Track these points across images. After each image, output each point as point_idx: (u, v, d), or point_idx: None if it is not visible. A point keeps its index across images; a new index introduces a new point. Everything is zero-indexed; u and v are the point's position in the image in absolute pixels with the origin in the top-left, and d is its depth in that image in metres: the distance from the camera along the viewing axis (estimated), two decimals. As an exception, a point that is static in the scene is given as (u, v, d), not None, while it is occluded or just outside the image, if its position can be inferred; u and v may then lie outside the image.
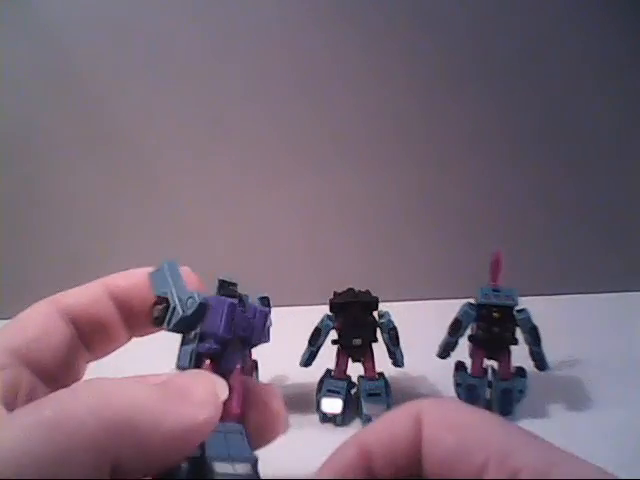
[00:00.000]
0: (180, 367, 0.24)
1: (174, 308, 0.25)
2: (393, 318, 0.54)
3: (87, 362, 0.25)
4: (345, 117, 0.76)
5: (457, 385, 0.54)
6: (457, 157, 0.77)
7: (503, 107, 0.76)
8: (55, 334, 0.23)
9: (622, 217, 0.79)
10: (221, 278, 0.26)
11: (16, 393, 0.21)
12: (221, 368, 0.24)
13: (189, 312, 0.24)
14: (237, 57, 0.74)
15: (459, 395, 0.54)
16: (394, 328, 0.54)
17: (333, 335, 0.54)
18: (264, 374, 0.57)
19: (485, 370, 0.54)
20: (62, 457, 0.17)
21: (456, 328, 0.54)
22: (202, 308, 0.24)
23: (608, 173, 0.78)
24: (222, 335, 0.24)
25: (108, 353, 0.26)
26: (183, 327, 0.25)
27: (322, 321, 0.54)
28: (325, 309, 0.54)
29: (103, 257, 0.73)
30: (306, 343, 0.55)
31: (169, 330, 0.25)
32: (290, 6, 0.73)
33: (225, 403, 0.23)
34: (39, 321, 0.23)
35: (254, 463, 0.23)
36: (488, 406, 0.53)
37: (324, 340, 0.54)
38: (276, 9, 0.73)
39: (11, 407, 0.20)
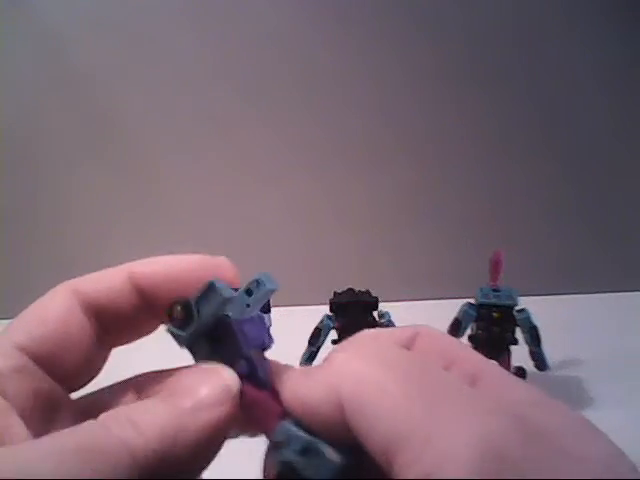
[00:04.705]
0: None
1: (197, 311, 0.22)
2: (393, 318, 0.54)
3: (108, 351, 0.24)
4: (345, 118, 0.76)
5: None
6: (457, 157, 0.77)
7: (503, 108, 0.76)
8: (77, 331, 0.22)
9: (621, 218, 0.79)
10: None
11: (33, 402, 0.20)
12: (259, 382, 0.22)
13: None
14: (236, 58, 0.74)
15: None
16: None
17: (333, 335, 0.54)
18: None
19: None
20: None
21: (456, 328, 0.54)
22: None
23: (607, 174, 0.78)
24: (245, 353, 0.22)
25: (130, 342, 0.25)
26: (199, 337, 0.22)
27: (322, 321, 0.54)
28: (325, 309, 0.54)
29: (103, 256, 0.72)
30: (306, 343, 0.55)
31: (185, 340, 0.22)
32: (289, 7, 0.73)
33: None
34: (59, 316, 0.22)
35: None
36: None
37: (324, 340, 0.54)
38: (276, 11, 0.73)
39: (28, 417, 0.19)
